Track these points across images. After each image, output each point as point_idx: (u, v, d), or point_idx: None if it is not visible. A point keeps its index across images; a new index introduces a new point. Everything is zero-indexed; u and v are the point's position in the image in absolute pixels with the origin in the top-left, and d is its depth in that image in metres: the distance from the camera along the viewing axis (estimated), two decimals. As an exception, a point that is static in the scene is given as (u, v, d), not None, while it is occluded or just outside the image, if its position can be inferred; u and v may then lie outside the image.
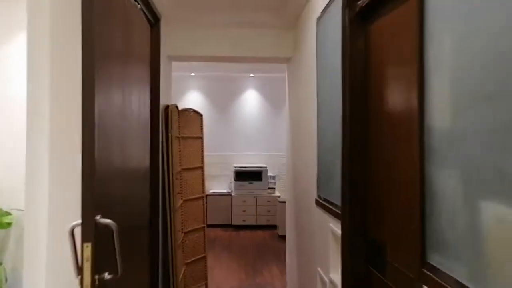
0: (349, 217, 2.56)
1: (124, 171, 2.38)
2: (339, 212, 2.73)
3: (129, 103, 2.54)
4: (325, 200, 3.20)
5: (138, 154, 2.92)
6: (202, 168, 5.64)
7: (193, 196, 5.32)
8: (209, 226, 8.71)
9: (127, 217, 2.44)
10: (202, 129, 5.66)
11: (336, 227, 2.84)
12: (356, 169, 2.52)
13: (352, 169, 2.53)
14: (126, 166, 2.44)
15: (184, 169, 5.19)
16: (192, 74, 8.97)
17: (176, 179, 4.68)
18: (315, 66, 3.61)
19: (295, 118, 4.96)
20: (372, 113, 2.37)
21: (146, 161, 3.30)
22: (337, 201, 2.82)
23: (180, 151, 5.07)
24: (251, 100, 9.24)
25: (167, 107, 4.58)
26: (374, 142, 2.37)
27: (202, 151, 5.65)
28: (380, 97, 2.24)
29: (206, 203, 9.26)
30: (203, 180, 5.62)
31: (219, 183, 9.18)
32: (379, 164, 2.29)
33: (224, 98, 9.20)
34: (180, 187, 4.94)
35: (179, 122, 5.08)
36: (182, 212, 5.00)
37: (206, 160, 9.40)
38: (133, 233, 2.71)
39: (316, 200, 3.48)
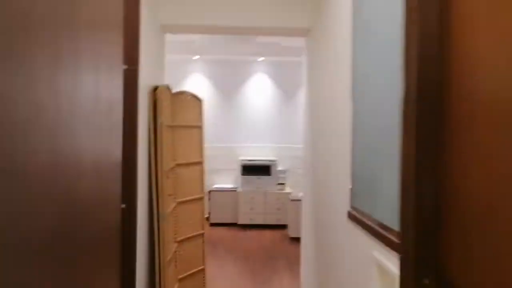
0: (415, 250, 1.58)
1: (56, 168, 1.42)
2: (393, 238, 1.77)
3: (70, 84, 1.58)
4: (364, 215, 2.21)
5: (97, 146, 1.97)
6: (201, 163, 4.67)
7: (190, 197, 4.35)
8: (212, 225, 7.78)
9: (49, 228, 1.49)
10: (202, 116, 4.68)
11: (387, 259, 1.86)
12: (425, 179, 1.53)
13: (420, 180, 1.53)
14: (60, 161, 1.48)
15: (179, 165, 4.22)
16: (196, 57, 7.98)
17: (168, 177, 3.72)
18: (349, 36, 2.62)
19: (316, 103, 3.95)
20: (454, 95, 1.36)
21: (113, 155, 2.33)
22: (388, 220, 1.85)
23: (173, 143, 4.11)
24: (260, 86, 8.24)
25: (155, 89, 3.60)
26: (457, 138, 1.36)
27: (202, 143, 4.68)
28: (472, 68, 1.23)
29: (210, 199, 8.33)
30: (202, 178, 4.65)
31: (223, 178, 8.22)
32: (468, 173, 1.29)
33: (231, 84, 8.21)
34: (174, 187, 3.98)
35: (172, 107, 4.12)
36: (175, 217, 4.04)
37: (209, 152, 8.38)
38: (73, 250, 1.75)
39: (349, 213, 2.50)
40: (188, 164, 4.40)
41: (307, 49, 4.44)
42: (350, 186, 2.51)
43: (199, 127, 4.62)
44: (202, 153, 4.62)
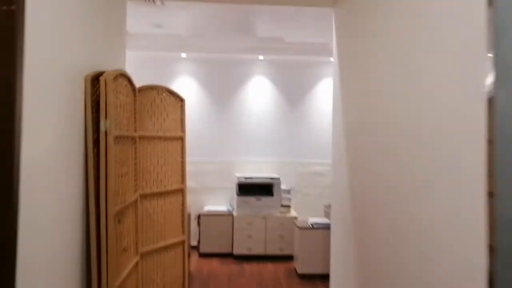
0: None
1: None
2: None
3: None
4: None
5: None
6: (181, 191, 3.17)
7: (168, 242, 2.86)
8: (202, 255, 6.24)
9: None
10: (183, 123, 3.20)
11: None
12: None
13: None
14: None
15: (147, 196, 2.74)
16: (183, 55, 6.49)
17: (120, 222, 2.23)
18: None
19: (361, 100, 2.47)
20: None
21: None
22: None
23: (137, 163, 2.64)
24: (260, 91, 6.76)
25: (97, 76, 2.12)
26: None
27: (183, 161, 3.19)
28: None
29: (199, 224, 6.80)
30: (183, 212, 3.16)
31: (216, 199, 6.69)
32: None
33: (225, 88, 6.72)
34: (136, 232, 2.50)
35: (137, 109, 2.66)
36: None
37: (198, 168, 6.83)
38: None
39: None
40: (163, 194, 2.90)
41: (338, 24, 2.96)
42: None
43: (180, 139, 3.13)
44: (184, 176, 3.12)
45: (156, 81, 5.97)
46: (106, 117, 2.08)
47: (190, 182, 6.60)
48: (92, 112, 2.09)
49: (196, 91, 6.65)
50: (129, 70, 6.07)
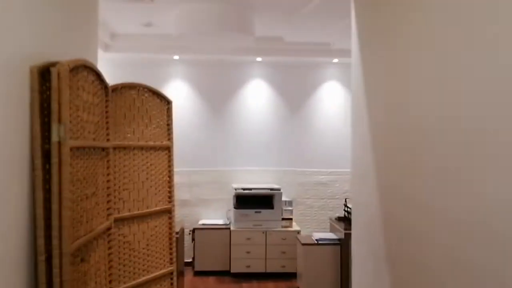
0: None
1: None
2: None
3: None
4: None
5: None
6: (169, 211, 2.59)
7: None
8: (197, 274, 5.64)
9: None
10: (170, 129, 2.63)
11: None
12: None
13: None
14: None
15: (123, 221, 2.17)
16: (175, 57, 5.93)
17: (73, 263, 1.66)
18: None
19: (399, 97, 1.91)
20: None
21: None
22: None
23: (109, 180, 2.07)
24: (258, 94, 6.20)
25: (47, 68, 1.56)
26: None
27: (170, 176, 2.62)
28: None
29: (194, 240, 6.21)
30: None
31: (212, 211, 6.11)
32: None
33: (221, 92, 6.16)
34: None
35: (106, 114, 2.10)
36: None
37: (192, 178, 6.26)
38: None
39: None
40: (145, 216, 2.33)
41: (359, 14, 2.42)
42: None
43: (166, 149, 2.56)
44: (172, 194, 2.55)
45: (151, 81, 5.45)
46: (59, 121, 1.52)
47: (183, 194, 6.02)
48: (42, 116, 1.53)
49: (189, 95, 6.09)
50: (116, 74, 5.51)
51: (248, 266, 5.55)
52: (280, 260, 5.57)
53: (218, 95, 6.12)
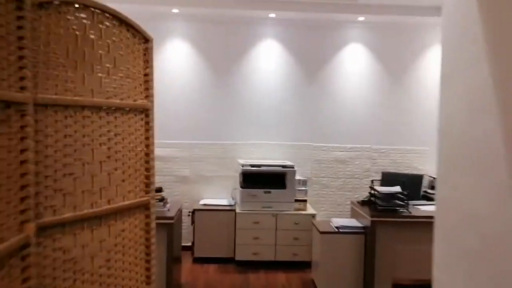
0: None
1: None
2: None
3: None
4: None
5: None
6: (146, 207, 1.64)
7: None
8: (197, 260, 4.77)
9: None
10: (150, 83, 1.66)
11: None
12: None
13: None
14: None
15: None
16: (175, 10, 4.88)
17: None
18: None
19: None
20: None
21: None
22: None
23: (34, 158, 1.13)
24: (270, 57, 5.17)
25: None
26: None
27: (150, 152, 1.67)
28: None
29: (193, 223, 5.31)
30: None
31: (215, 190, 5.17)
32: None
33: (227, 53, 5.13)
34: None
35: (22, 46, 1.13)
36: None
37: (193, 152, 5.18)
38: None
39: None
40: (105, 217, 1.37)
41: None
42: None
43: (143, 111, 1.58)
44: (151, 181, 1.59)
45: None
46: None
47: (182, 170, 5.08)
48: None
49: (190, 56, 5.07)
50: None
51: (255, 254, 4.65)
52: (292, 247, 4.66)
53: (223, 57, 5.09)
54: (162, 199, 3.81)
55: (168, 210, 3.78)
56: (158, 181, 5.03)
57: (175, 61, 5.04)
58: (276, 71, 5.14)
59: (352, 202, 4.41)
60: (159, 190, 3.97)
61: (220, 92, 5.10)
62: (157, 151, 4.78)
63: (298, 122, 5.17)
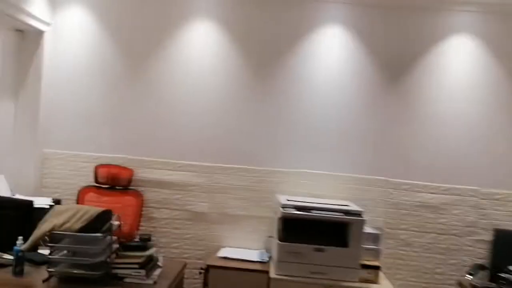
0: None
1: None
2: None
3: None
4: None
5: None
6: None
7: None
8: None
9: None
10: None
11: None
12: None
13: None
14: None
15: None
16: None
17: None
18: None
19: None
20: None
21: None
22: None
23: None
24: (331, 51, 3.55)
25: None
26: None
27: None
28: None
29: (206, 285, 3.59)
30: None
31: (242, 236, 3.55)
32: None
33: (270, 43, 3.56)
34: None
35: None
36: None
37: (212, 179, 3.18)
38: None
39: None
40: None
41: None
42: None
43: None
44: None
45: (156, 27, 3.08)
46: None
47: (197, 203, 3.54)
48: None
49: (218, 48, 3.55)
50: (119, 9, 3.01)
51: None
52: None
53: (266, 48, 3.54)
54: (147, 263, 2.27)
55: (154, 283, 2.20)
56: (163, 217, 3.60)
57: (199, 53, 3.55)
58: (339, 71, 3.52)
59: (460, 284, 2.66)
60: (146, 240, 2.45)
61: (258, 97, 3.54)
62: (164, 175, 3.24)
63: (368, 146, 3.49)
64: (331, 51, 3.51)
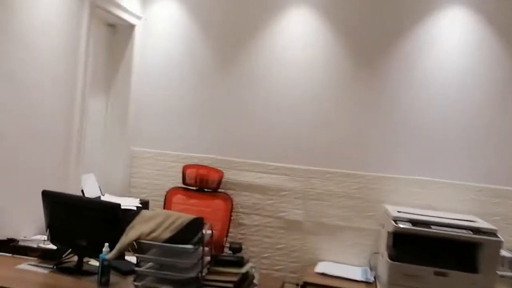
0: None
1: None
2: None
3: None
4: None
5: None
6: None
7: None
8: None
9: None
10: None
11: None
12: None
13: None
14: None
15: None
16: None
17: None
18: None
19: None
20: None
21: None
22: None
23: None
24: (451, 34, 2.99)
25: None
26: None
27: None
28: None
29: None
30: None
31: (342, 250, 3.11)
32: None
33: (378, 34, 3.10)
34: None
35: None
36: None
37: (312, 183, 3.15)
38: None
39: None
40: None
41: None
42: None
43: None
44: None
45: (249, 18, 2.81)
46: None
47: (291, 211, 3.17)
48: None
49: (318, 39, 3.15)
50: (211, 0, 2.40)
51: None
52: None
53: (371, 39, 3.07)
54: (242, 281, 1.94)
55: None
56: (253, 224, 3.27)
57: (301, 40, 3.18)
58: (465, 54, 2.94)
59: None
60: (237, 250, 2.13)
61: (361, 93, 3.08)
62: (255, 178, 2.93)
63: (502, 151, 2.88)
64: (452, 32, 2.95)
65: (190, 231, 1.91)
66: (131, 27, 3.32)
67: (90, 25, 2.79)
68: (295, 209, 3.14)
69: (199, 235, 1.92)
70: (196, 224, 1.93)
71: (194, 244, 1.85)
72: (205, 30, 3.32)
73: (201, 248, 1.85)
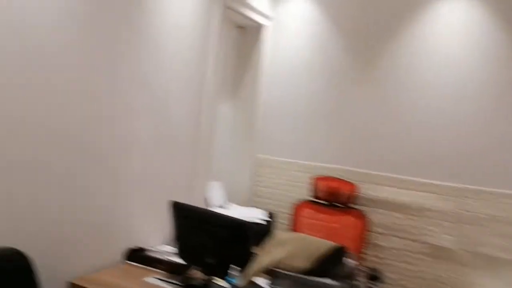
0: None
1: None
2: None
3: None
4: None
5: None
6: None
7: None
8: None
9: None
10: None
11: None
12: None
13: None
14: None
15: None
16: None
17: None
18: None
19: None
20: None
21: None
22: None
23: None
24: None
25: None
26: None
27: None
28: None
29: None
30: None
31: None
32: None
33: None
34: None
35: None
36: None
37: (467, 204, 2.67)
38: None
39: None
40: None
41: None
42: None
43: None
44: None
45: (388, 13, 2.41)
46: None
47: (440, 236, 2.68)
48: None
49: (478, 33, 2.61)
50: None
51: None
52: None
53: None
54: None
55: None
56: (391, 246, 2.76)
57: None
58: None
59: None
60: (374, 278, 1.78)
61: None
62: (394, 194, 2.54)
63: None
64: None
65: (330, 262, 1.61)
66: (260, 28, 3.14)
67: (221, 27, 2.66)
68: (445, 234, 2.64)
69: (341, 266, 1.61)
70: (337, 253, 1.63)
71: (338, 277, 1.54)
72: (340, 28, 2.99)
73: (349, 285, 1.54)
